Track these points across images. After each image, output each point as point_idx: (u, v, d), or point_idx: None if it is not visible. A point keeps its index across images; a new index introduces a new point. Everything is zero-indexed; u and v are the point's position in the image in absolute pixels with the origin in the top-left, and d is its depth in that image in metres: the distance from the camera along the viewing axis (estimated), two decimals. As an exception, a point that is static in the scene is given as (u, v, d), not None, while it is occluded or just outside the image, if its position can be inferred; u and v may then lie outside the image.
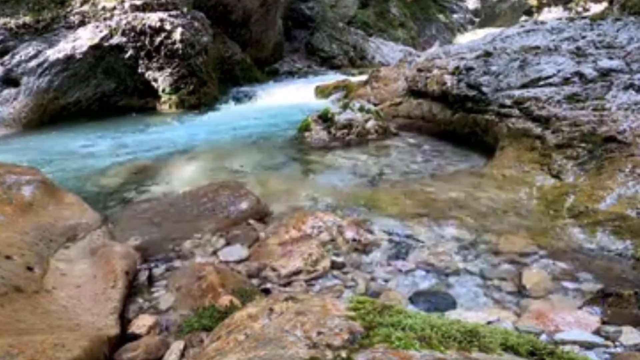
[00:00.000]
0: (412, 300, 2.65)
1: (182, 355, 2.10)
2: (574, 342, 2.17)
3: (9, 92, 7.85)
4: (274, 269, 2.93)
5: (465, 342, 1.48)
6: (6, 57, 7.88)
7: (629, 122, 4.08)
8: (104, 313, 2.38)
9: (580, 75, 4.85)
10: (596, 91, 4.61)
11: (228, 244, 3.33)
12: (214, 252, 3.24)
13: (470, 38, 11.14)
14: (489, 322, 2.32)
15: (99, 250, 2.99)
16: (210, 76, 9.32)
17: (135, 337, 2.32)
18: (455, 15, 21.45)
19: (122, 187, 4.73)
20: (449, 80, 5.88)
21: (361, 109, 6.42)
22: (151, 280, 2.90)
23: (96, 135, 7.17)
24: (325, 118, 6.31)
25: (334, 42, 13.93)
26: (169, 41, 8.58)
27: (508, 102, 5.05)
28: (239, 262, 3.10)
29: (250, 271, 2.97)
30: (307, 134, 6.23)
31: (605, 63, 4.89)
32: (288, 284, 2.83)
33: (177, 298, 2.65)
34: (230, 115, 8.32)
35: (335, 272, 2.94)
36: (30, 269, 2.56)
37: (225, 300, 2.44)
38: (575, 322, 2.34)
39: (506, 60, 5.50)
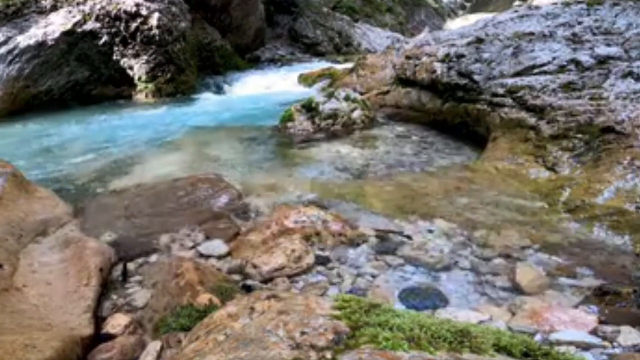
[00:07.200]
0: (401, 297, 2.59)
1: (159, 356, 2.06)
2: (570, 343, 2.12)
3: (-23, 80, 7.71)
4: (255, 266, 2.87)
5: (455, 343, 1.44)
6: (-26, 44, 7.73)
7: (627, 112, 4.00)
8: (77, 312, 2.34)
9: (577, 62, 4.77)
10: (593, 79, 4.53)
11: (207, 239, 3.27)
12: (193, 247, 3.17)
13: (461, 24, 11.13)
14: (481, 321, 2.29)
15: (71, 246, 2.92)
16: (189, 64, 9.27)
17: (110, 337, 2.28)
18: (445, 0, 21.34)
19: (95, 179, 4.65)
20: (438, 68, 5.79)
21: (347, 98, 6.35)
22: (126, 275, 2.85)
23: (69, 125, 7.07)
24: (309, 108, 6.22)
25: (318, 27, 13.71)
26: (145, 27, 8.47)
27: (501, 91, 4.97)
28: (218, 258, 3.04)
29: (230, 267, 2.91)
30: (290, 124, 6.15)
31: (602, 50, 4.80)
32: (270, 280, 2.76)
33: (153, 295, 2.60)
34: (209, 105, 8.27)
35: (320, 268, 2.87)
36: (-1, 265, 2.51)
37: (204, 298, 2.38)
38: (572, 322, 2.29)
39: (499, 47, 5.42)
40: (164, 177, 4.42)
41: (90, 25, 8.16)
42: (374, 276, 2.79)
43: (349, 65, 8.85)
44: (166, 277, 2.64)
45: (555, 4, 5.92)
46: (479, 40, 5.68)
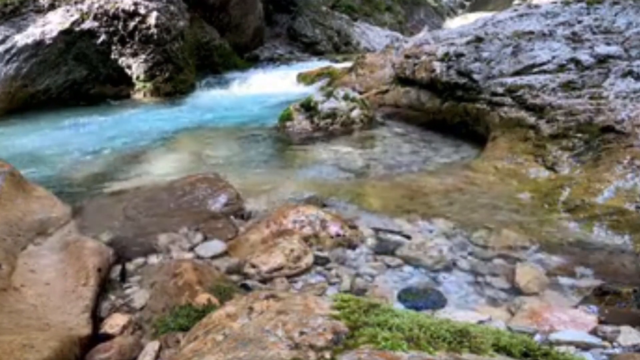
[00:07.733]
0: (400, 297, 2.59)
1: (157, 356, 2.07)
2: (570, 343, 2.12)
3: (-26, 80, 7.63)
4: (253, 265, 2.85)
5: (455, 343, 1.45)
6: (-28, 44, 7.65)
7: (627, 111, 4.00)
8: (75, 312, 2.34)
9: (576, 61, 4.75)
10: (593, 79, 4.51)
11: (206, 239, 3.26)
12: (191, 248, 3.16)
13: (461, 23, 11.10)
14: (481, 322, 2.29)
15: (69, 246, 2.92)
16: (187, 63, 9.19)
17: (108, 337, 2.28)
18: (444, -1, 21.29)
19: (94, 179, 4.64)
20: (438, 67, 5.76)
21: (346, 98, 6.31)
22: (124, 276, 2.85)
23: (67, 125, 7.00)
24: (308, 107, 6.19)
25: (317, 26, 13.66)
26: (144, 26, 8.38)
27: (500, 90, 4.95)
28: (217, 257, 3.03)
29: (229, 267, 2.91)
30: (289, 123, 6.12)
31: (602, 49, 4.78)
32: (269, 280, 2.76)
33: (151, 295, 2.60)
34: (208, 104, 8.20)
35: (319, 268, 2.87)
36: (-4, 265, 2.52)
37: (202, 298, 2.39)
38: (571, 322, 2.29)
39: (498, 46, 5.38)
40: (162, 177, 4.38)
41: (88, 24, 8.06)
42: (372, 276, 2.79)
43: (348, 64, 8.78)
44: (165, 277, 2.63)
45: (555, 2, 5.88)
46: (479, 39, 5.65)
